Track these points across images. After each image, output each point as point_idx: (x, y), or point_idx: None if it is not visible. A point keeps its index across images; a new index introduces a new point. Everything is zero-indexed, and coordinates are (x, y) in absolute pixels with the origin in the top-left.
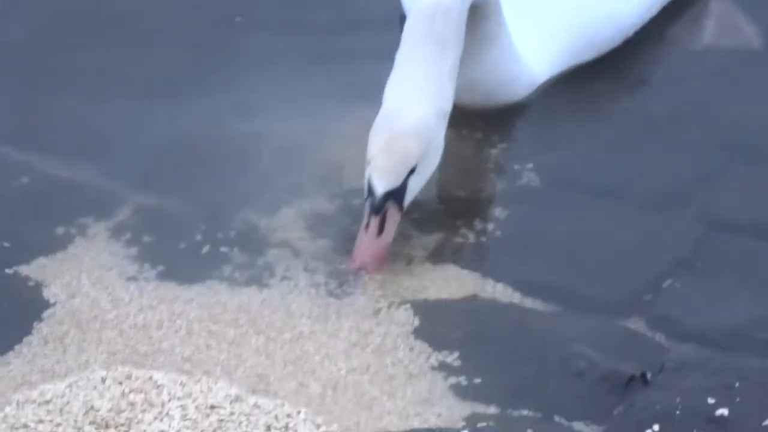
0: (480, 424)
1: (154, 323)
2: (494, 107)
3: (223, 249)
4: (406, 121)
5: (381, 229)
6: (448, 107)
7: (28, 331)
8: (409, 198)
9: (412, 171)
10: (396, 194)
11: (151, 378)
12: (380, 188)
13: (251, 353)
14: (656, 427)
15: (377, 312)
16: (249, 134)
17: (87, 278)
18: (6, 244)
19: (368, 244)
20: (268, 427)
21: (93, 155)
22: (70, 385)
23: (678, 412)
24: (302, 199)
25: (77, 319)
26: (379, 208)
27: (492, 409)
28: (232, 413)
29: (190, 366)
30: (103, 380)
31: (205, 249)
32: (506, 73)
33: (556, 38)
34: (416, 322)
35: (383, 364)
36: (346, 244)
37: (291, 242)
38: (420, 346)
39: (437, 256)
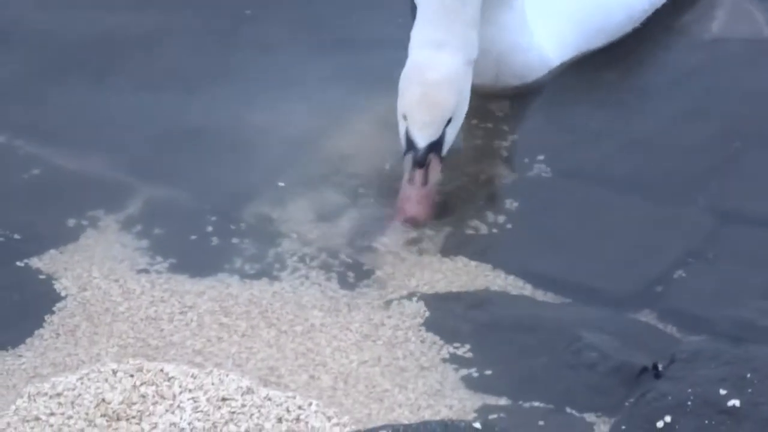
0: (491, 416)
1: (165, 316)
2: (508, 84)
3: (234, 241)
4: (438, 73)
5: (425, 180)
6: (474, 54)
7: (39, 323)
8: (446, 147)
9: (448, 122)
10: (436, 145)
11: (162, 370)
12: (422, 142)
13: (262, 346)
14: (668, 418)
15: (388, 304)
16: (259, 126)
17: (98, 270)
18: (17, 237)
19: (417, 196)
20: (280, 419)
21: (103, 147)
22: (81, 378)
23: (690, 404)
24: (313, 190)
25: (88, 312)
26: (422, 162)
27: (503, 401)
28: (243, 405)
29: (202, 358)
30: (115, 373)
31: (216, 241)
32: (519, 38)
33: (568, 23)
34: (427, 314)
35: (394, 356)
36: (357, 235)
37: (302, 234)
38: (431, 338)
39: (448, 248)
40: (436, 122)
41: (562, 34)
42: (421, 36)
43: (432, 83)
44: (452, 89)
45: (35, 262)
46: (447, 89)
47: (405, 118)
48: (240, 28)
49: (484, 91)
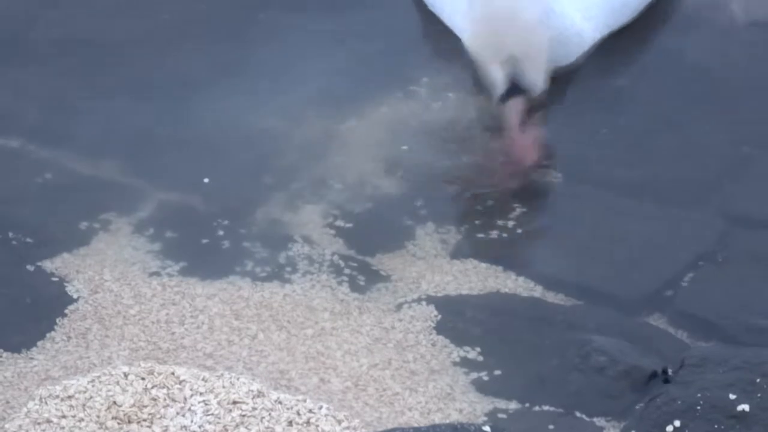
0: (501, 420)
1: (176, 319)
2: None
3: (246, 244)
4: (535, 13)
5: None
6: None
7: (51, 326)
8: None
9: None
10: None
11: (173, 373)
12: (541, 83)
13: (273, 349)
14: (677, 422)
15: (399, 308)
16: (271, 129)
17: (110, 274)
18: (29, 240)
19: (534, 139)
20: (290, 423)
21: (116, 151)
22: (92, 381)
23: (699, 408)
24: (324, 194)
25: (100, 315)
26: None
27: (513, 405)
28: (254, 408)
29: (213, 362)
30: (126, 375)
31: (227, 244)
32: (562, 19)
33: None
34: (438, 317)
35: (405, 359)
36: (368, 238)
37: (313, 237)
38: (441, 341)
39: (458, 251)
40: (546, 61)
41: (589, 11)
42: None
43: (533, 23)
44: (545, 27)
45: (47, 265)
46: (544, 28)
47: (507, 63)
48: (252, 33)
49: None
